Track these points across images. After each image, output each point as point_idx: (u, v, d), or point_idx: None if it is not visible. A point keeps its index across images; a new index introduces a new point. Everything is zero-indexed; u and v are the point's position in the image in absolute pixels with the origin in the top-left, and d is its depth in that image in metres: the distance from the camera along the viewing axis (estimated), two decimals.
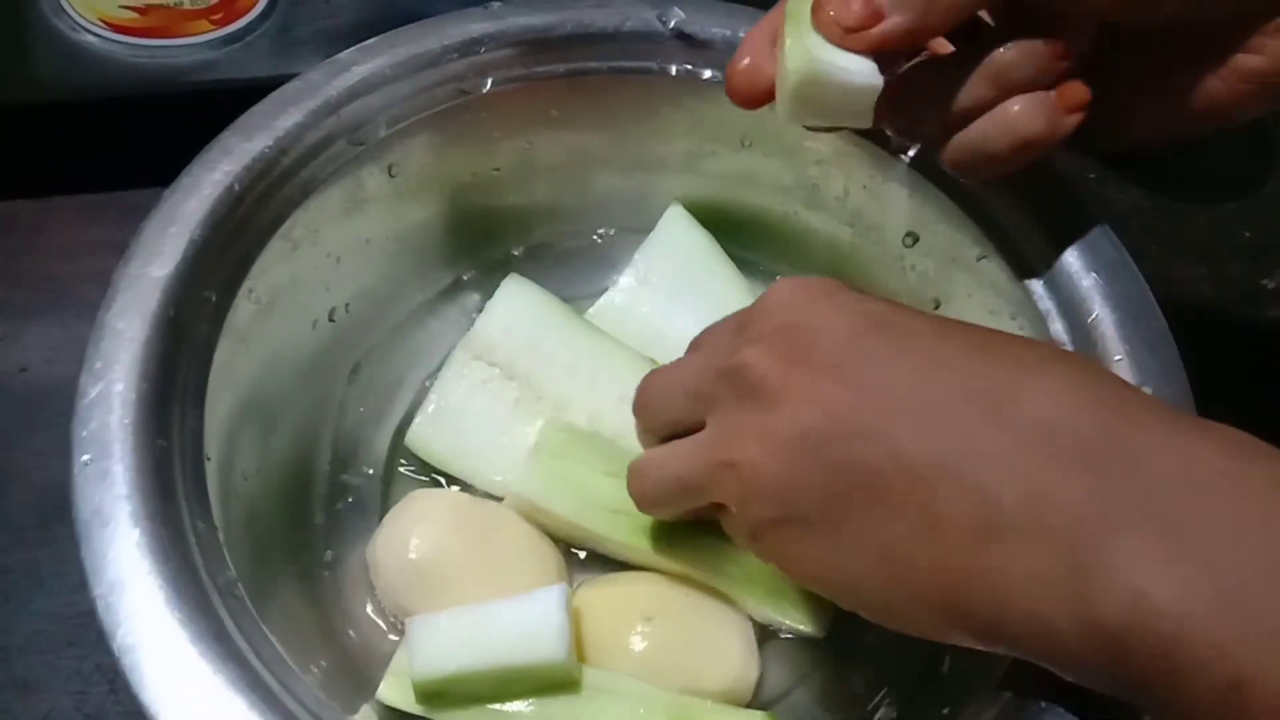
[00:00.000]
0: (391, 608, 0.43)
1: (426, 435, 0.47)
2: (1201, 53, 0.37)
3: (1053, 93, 0.36)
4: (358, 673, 0.42)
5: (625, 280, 0.51)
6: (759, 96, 0.39)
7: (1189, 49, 0.37)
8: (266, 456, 0.44)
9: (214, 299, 0.40)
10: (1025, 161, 0.37)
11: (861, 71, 0.36)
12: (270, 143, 0.42)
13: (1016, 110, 0.36)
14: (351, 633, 0.44)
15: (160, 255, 0.39)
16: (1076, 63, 0.36)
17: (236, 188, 0.41)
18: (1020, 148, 0.37)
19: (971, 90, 0.36)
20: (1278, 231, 0.62)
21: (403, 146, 0.46)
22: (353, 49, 0.45)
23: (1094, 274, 0.42)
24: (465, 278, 0.52)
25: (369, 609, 0.44)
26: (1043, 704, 0.33)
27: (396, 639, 0.43)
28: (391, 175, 0.46)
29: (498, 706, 0.39)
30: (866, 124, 0.38)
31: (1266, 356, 0.57)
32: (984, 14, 0.37)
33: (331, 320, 0.47)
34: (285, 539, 0.44)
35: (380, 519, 0.45)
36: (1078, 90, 0.36)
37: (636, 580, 0.44)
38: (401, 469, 0.48)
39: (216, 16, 0.57)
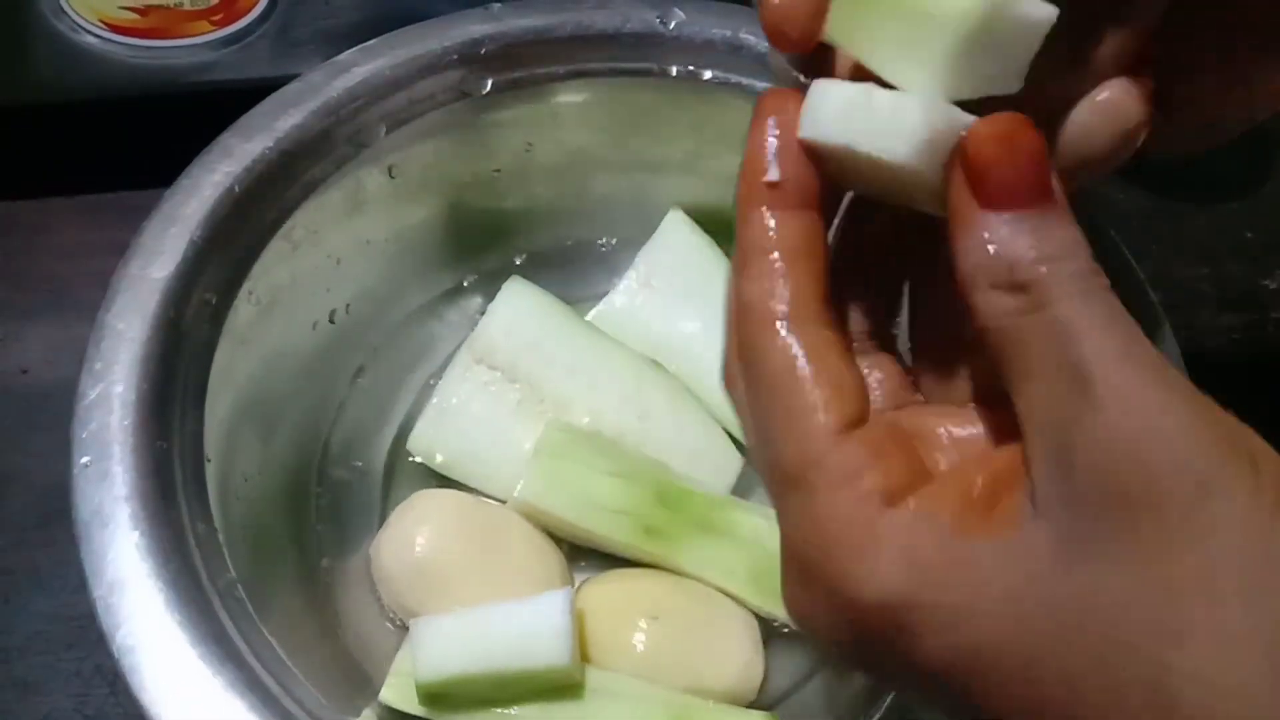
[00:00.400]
0: (394, 608, 0.43)
1: (429, 438, 0.47)
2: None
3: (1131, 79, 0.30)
4: (358, 673, 0.42)
5: (626, 283, 0.51)
6: (813, 35, 0.29)
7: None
8: (267, 458, 0.44)
9: (214, 300, 0.40)
10: (1116, 165, 0.31)
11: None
12: (270, 144, 0.42)
13: (1107, 96, 0.29)
14: (352, 634, 0.43)
15: (160, 256, 0.39)
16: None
17: (236, 189, 0.41)
18: (1125, 140, 0.30)
19: (1056, 73, 0.29)
20: (1278, 231, 0.62)
21: (403, 147, 0.46)
22: (353, 50, 0.45)
23: None
24: (467, 281, 0.52)
25: (370, 610, 0.44)
26: None
27: (398, 640, 0.43)
28: (392, 176, 0.46)
29: (500, 709, 0.39)
30: (1016, 87, 0.27)
31: (1266, 356, 0.57)
32: None
33: (332, 321, 0.47)
34: (286, 540, 0.44)
35: (381, 521, 0.45)
36: (1147, 81, 0.30)
37: (640, 578, 0.44)
38: (403, 471, 0.48)
39: (216, 17, 0.57)
